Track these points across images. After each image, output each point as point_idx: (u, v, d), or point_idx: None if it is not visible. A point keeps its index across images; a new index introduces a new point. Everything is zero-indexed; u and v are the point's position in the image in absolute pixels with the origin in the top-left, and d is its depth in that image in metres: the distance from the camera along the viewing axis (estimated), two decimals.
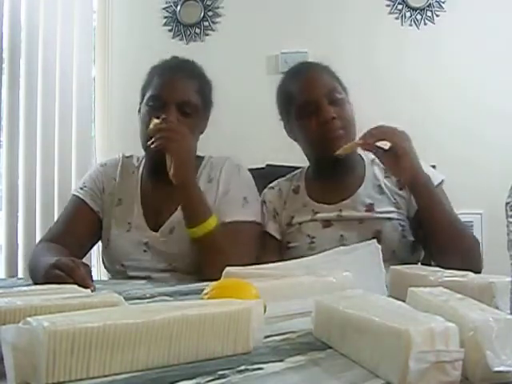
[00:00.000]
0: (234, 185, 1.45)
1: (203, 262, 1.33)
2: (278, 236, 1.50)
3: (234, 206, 1.42)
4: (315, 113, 1.41)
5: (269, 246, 1.49)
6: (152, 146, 1.30)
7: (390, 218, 1.41)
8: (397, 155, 1.26)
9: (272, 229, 1.50)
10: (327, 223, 1.45)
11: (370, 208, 1.43)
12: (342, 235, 1.41)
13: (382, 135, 1.28)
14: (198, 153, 1.46)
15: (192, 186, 1.34)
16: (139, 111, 1.50)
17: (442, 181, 1.45)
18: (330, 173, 1.48)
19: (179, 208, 1.39)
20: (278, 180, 1.61)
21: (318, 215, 1.46)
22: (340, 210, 1.45)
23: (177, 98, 1.40)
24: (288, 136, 1.56)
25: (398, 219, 1.42)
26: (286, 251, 1.48)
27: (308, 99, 1.42)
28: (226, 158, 1.51)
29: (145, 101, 1.45)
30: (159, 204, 1.46)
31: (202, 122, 1.50)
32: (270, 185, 1.60)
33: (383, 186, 1.47)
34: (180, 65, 1.50)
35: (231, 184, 1.45)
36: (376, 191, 1.46)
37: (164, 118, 1.33)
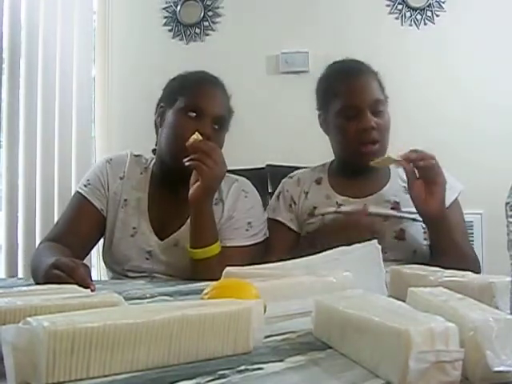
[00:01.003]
0: (239, 210, 1.44)
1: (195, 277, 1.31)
2: (292, 226, 1.52)
3: (238, 231, 1.42)
4: (356, 118, 1.42)
5: (282, 235, 1.50)
6: (187, 164, 1.29)
7: (414, 219, 1.42)
8: (431, 190, 1.30)
9: (287, 219, 1.52)
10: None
11: (395, 206, 1.45)
12: None
13: (423, 163, 1.29)
14: None
15: (205, 210, 1.33)
16: (160, 115, 1.47)
17: (460, 192, 1.50)
18: (356, 172, 1.50)
19: (186, 223, 1.39)
20: (298, 170, 1.63)
21: (343, 208, 1.47)
22: (365, 205, 1.44)
23: (216, 112, 1.40)
24: (320, 126, 1.56)
25: (421, 221, 1.41)
26: (305, 241, 1.48)
27: (354, 103, 1.42)
28: (233, 181, 1.49)
29: (179, 107, 1.41)
30: (167, 214, 1.44)
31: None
32: (290, 174, 1.62)
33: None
34: (214, 79, 1.50)
35: (236, 210, 1.44)
36: (402, 191, 1.47)
37: (203, 139, 1.33)
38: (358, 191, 1.48)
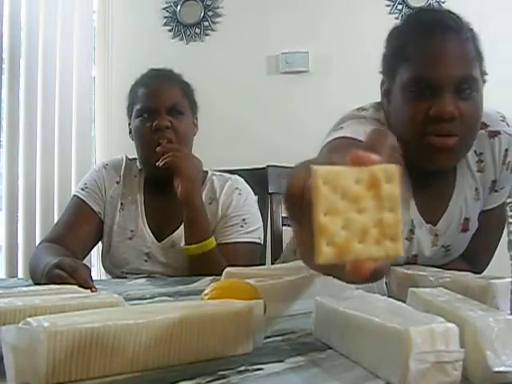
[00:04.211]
0: (233, 208, 1.46)
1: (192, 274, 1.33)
2: None
3: (232, 228, 1.43)
4: (430, 97, 1.00)
5: None
6: (161, 164, 1.34)
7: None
8: None
9: None
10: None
11: (465, 226, 1.15)
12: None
13: None
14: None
15: (197, 205, 1.36)
16: (131, 131, 1.50)
17: None
18: (423, 172, 1.08)
19: (183, 224, 1.40)
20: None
21: (417, 233, 1.12)
22: (436, 236, 1.14)
23: (165, 103, 1.42)
24: (381, 98, 1.16)
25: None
26: None
27: (431, 77, 1.00)
28: (226, 179, 1.51)
29: (135, 114, 1.46)
30: (164, 216, 1.46)
31: (192, 124, 1.51)
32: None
33: (479, 185, 1.14)
34: (159, 74, 1.52)
35: (230, 207, 1.46)
36: (471, 196, 1.14)
37: (166, 143, 1.38)
38: (429, 207, 1.11)
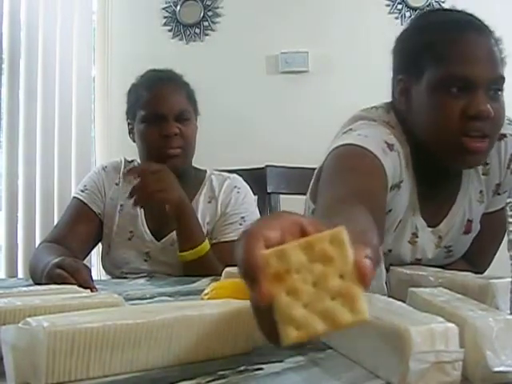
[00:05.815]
0: (232, 206, 1.46)
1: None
2: None
3: (231, 226, 1.44)
4: (464, 96, 0.97)
5: None
6: (144, 205, 1.36)
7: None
8: None
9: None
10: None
11: (468, 228, 1.15)
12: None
13: None
14: (200, 162, 1.49)
15: (188, 213, 1.35)
16: (131, 131, 1.50)
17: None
18: (441, 175, 1.08)
19: None
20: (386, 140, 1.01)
21: (417, 237, 1.10)
22: (439, 238, 1.12)
23: (173, 110, 1.42)
24: (399, 95, 1.08)
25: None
26: None
27: (469, 76, 0.97)
28: (225, 178, 1.51)
29: (140, 119, 1.44)
30: (162, 215, 1.45)
31: (196, 126, 1.51)
32: (383, 144, 0.99)
33: (484, 188, 1.13)
34: (163, 76, 1.51)
35: (229, 206, 1.46)
36: (476, 198, 1.14)
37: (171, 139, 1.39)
38: (433, 209, 1.10)
